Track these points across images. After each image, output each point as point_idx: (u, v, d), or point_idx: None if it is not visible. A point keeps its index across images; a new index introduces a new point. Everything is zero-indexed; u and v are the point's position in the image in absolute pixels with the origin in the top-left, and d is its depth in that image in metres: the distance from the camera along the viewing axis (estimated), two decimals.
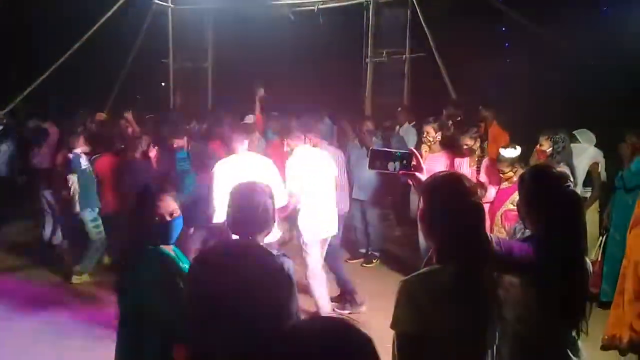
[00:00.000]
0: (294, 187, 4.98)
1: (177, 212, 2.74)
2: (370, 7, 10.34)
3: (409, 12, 10.10)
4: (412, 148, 2.43)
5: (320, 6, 10.87)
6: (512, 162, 4.88)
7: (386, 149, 2.39)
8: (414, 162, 2.31)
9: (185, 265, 2.72)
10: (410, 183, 2.29)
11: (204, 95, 12.38)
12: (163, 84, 13.32)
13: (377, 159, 2.34)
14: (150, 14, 11.53)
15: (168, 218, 2.68)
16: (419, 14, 9.67)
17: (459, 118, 7.88)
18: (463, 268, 1.89)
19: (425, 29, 9.55)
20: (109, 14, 10.58)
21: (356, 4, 10.68)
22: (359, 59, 10.81)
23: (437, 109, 8.16)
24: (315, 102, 9.64)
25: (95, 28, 10.48)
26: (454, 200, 1.96)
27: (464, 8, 10.20)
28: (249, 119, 8.69)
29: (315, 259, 5.17)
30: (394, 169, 2.32)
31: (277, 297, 2.37)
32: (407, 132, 8.51)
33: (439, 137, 5.83)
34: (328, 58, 11.86)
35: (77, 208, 6.33)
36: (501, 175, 5.03)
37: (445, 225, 1.96)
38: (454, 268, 1.90)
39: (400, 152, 2.33)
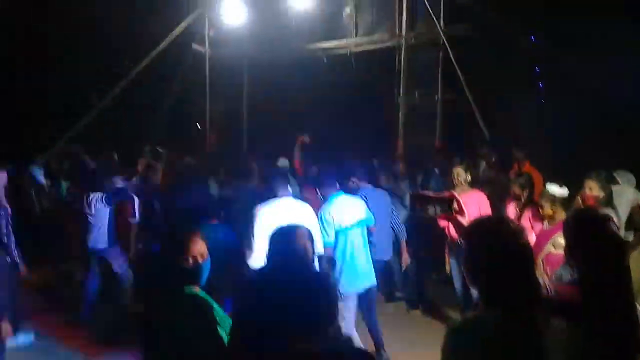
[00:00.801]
0: (326, 236, 4.92)
1: (207, 254, 2.71)
2: (402, 49, 10.47)
3: (440, 53, 10.22)
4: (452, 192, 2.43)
5: (353, 50, 11.10)
6: (557, 200, 4.73)
7: (427, 193, 2.41)
8: (454, 206, 2.31)
9: (216, 307, 2.67)
10: (445, 228, 2.29)
11: (238, 136, 12.64)
12: (199, 125, 13.67)
13: (418, 203, 2.35)
14: (188, 58, 11.93)
15: (199, 260, 2.65)
16: (451, 55, 9.75)
17: (493, 158, 7.83)
18: (511, 313, 1.86)
19: (457, 70, 9.60)
20: (149, 58, 11.04)
21: (388, 47, 10.85)
22: (391, 100, 10.92)
23: (470, 149, 8.14)
24: (348, 143, 9.73)
25: (135, 72, 10.91)
26: (499, 243, 1.93)
27: (497, 48, 10.24)
28: (283, 162, 8.76)
29: (349, 310, 5.00)
30: (435, 213, 2.32)
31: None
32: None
33: (469, 177, 5.75)
34: (361, 99, 12.00)
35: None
36: (539, 210, 4.90)
37: (492, 270, 1.91)
38: (501, 314, 1.87)
39: (441, 196, 2.34)
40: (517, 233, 1.97)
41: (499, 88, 10.29)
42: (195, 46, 12.06)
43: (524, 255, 1.95)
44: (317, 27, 11.17)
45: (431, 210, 2.25)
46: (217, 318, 2.58)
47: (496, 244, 1.94)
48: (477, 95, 9.58)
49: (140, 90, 11.53)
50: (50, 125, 11.15)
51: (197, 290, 2.68)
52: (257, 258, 4.72)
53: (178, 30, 11.44)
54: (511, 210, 5.54)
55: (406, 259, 6.25)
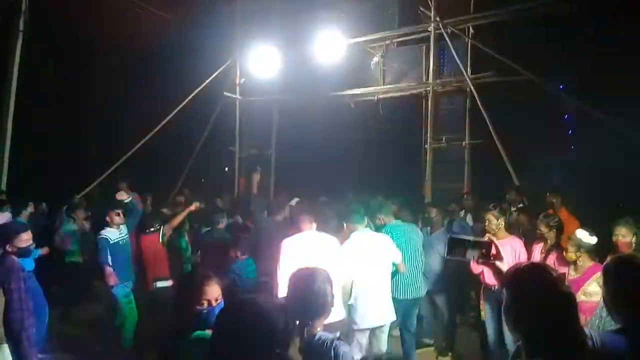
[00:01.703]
0: (346, 272, 4.97)
1: (221, 298, 2.68)
2: (430, 96, 10.61)
3: (468, 100, 10.32)
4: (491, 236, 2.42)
5: (380, 96, 11.29)
6: (584, 246, 4.68)
7: (464, 237, 2.40)
8: (493, 252, 2.31)
9: None
10: (480, 273, 2.29)
11: (267, 180, 12.81)
12: (227, 169, 13.92)
13: (455, 247, 2.35)
14: (220, 105, 12.28)
15: (214, 303, 2.62)
16: (478, 101, 9.83)
17: (521, 205, 7.76)
18: None
19: (485, 116, 9.65)
20: (181, 105, 11.41)
21: (415, 94, 11.02)
22: (418, 146, 11.00)
23: (499, 195, 8.08)
24: (374, 189, 9.76)
25: (169, 118, 11.27)
26: (542, 291, 1.92)
27: (525, 95, 10.29)
28: (296, 201, 8.80)
29: (358, 346, 5.04)
30: (473, 257, 2.32)
31: None
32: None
33: (502, 224, 5.67)
34: (388, 145, 12.11)
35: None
36: (563, 253, 4.84)
37: (534, 319, 1.90)
38: None
39: (479, 241, 2.34)
40: (559, 281, 1.97)
41: (527, 134, 10.30)
42: (226, 93, 12.42)
43: (567, 304, 1.93)
44: (345, 74, 11.42)
45: (469, 254, 2.24)
46: None
47: (539, 293, 1.92)
48: (505, 142, 9.58)
49: (174, 135, 11.86)
50: (88, 170, 11.47)
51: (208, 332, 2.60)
52: (283, 289, 4.83)
53: (210, 79, 11.82)
54: (536, 252, 5.47)
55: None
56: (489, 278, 5.73)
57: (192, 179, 12.65)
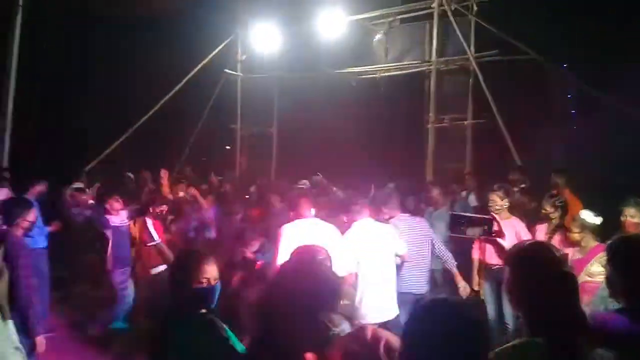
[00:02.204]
0: (347, 262, 4.77)
1: (218, 277, 2.68)
2: (432, 75, 10.53)
3: (471, 78, 10.25)
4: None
5: (382, 74, 11.21)
6: (587, 227, 4.70)
7: (467, 214, 2.40)
8: (495, 228, 2.31)
9: (227, 330, 2.65)
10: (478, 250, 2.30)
11: (268, 158, 12.80)
12: (228, 147, 13.91)
13: (457, 224, 2.35)
14: (221, 82, 12.21)
15: (212, 282, 2.62)
16: (482, 81, 9.77)
17: (523, 185, 7.75)
18: (556, 340, 1.86)
19: (488, 95, 9.59)
20: (183, 82, 11.34)
21: (418, 73, 10.94)
22: (420, 125, 10.95)
23: (501, 174, 8.06)
24: (375, 167, 9.77)
25: (169, 95, 11.22)
26: (544, 269, 1.93)
27: (528, 75, 10.23)
28: (304, 183, 8.81)
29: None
30: (474, 235, 2.33)
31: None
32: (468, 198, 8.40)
33: (506, 203, 5.67)
34: (389, 123, 12.07)
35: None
36: (567, 234, 4.86)
37: (536, 296, 1.92)
38: (546, 340, 1.87)
39: (481, 218, 2.34)
40: (562, 261, 1.99)
41: (530, 114, 10.26)
42: (227, 70, 12.34)
43: (569, 283, 1.95)
44: (347, 52, 11.31)
45: (470, 231, 2.24)
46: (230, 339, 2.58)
47: (541, 271, 1.94)
48: (508, 121, 9.54)
49: (175, 113, 11.83)
50: (88, 146, 11.47)
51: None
52: None
53: (211, 55, 11.73)
54: (540, 233, 5.49)
55: (464, 287, 5.47)
56: (489, 257, 5.76)
57: (194, 157, 12.65)
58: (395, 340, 1.74)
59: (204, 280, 2.59)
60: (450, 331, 1.51)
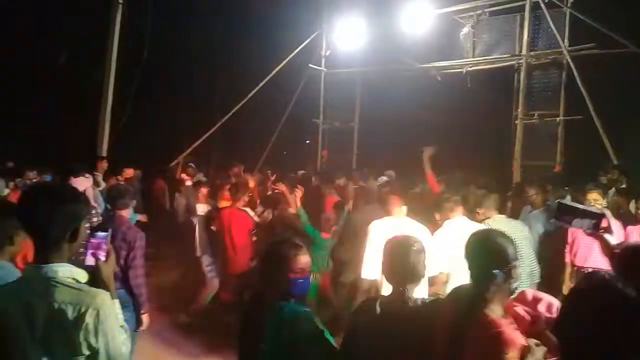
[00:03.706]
0: (439, 261, 4.61)
1: (309, 269, 2.68)
2: (522, 69, 10.14)
3: (564, 73, 9.80)
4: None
5: (469, 68, 10.93)
6: None
7: (577, 205, 2.28)
8: (603, 224, 2.19)
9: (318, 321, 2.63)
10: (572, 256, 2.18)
11: (349, 153, 12.84)
12: (308, 142, 14.06)
13: (565, 214, 2.24)
14: (305, 77, 12.36)
15: (304, 274, 2.62)
16: (576, 75, 9.31)
17: (623, 185, 7.33)
18: None
19: (583, 90, 9.13)
20: (267, 78, 11.58)
21: (507, 66, 10.58)
22: (507, 121, 10.60)
23: (591, 174, 7.66)
24: (460, 164, 9.54)
25: (255, 91, 11.48)
26: None
27: (627, 69, 9.63)
28: (384, 178, 8.72)
29: None
30: (581, 226, 2.21)
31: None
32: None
33: (605, 203, 5.37)
34: (475, 119, 11.75)
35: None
36: None
37: None
38: None
39: (590, 211, 2.22)
40: None
41: (628, 112, 9.66)
42: (311, 66, 12.48)
43: None
44: (432, 46, 11.10)
45: (578, 222, 2.12)
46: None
47: None
48: (603, 118, 9.05)
49: (260, 107, 12.11)
50: (178, 139, 11.93)
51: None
52: (367, 270, 4.95)
53: (296, 51, 11.89)
54: (634, 235, 5.18)
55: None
56: (580, 260, 5.49)
57: (274, 151, 12.88)
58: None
59: (299, 270, 2.60)
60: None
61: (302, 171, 10.24)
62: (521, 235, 5.07)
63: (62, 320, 1.91)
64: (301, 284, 2.61)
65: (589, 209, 2.21)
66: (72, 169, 6.23)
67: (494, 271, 2.23)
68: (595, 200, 5.11)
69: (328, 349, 2.52)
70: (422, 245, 2.74)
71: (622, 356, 1.46)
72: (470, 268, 2.38)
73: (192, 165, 9.82)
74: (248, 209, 6.66)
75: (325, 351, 2.51)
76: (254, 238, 6.41)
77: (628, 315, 1.47)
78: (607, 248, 2.22)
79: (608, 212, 2.35)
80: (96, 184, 7.10)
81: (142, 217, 7.03)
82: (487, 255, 2.29)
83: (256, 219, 6.71)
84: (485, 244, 2.35)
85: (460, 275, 4.46)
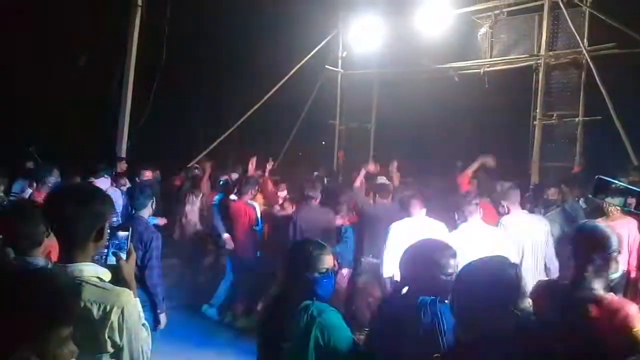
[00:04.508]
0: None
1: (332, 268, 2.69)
2: (541, 69, 10.06)
3: (583, 73, 9.69)
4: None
5: (487, 69, 10.86)
6: None
7: (614, 181, 2.22)
8: None
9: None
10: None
11: (365, 154, 12.79)
12: (324, 142, 14.06)
13: (603, 190, 2.19)
14: (321, 78, 12.38)
15: (330, 273, 2.64)
16: (595, 75, 9.20)
17: None
18: None
19: (603, 91, 9.03)
20: (284, 79, 11.62)
21: (525, 67, 10.49)
22: (525, 122, 10.51)
23: (613, 175, 7.54)
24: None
25: (271, 92, 11.53)
26: None
27: None
28: (382, 179, 8.63)
29: None
30: (619, 204, 2.16)
31: None
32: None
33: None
34: (493, 120, 11.66)
35: None
36: None
37: None
38: None
39: (631, 188, 2.16)
40: None
41: None
42: (328, 67, 12.48)
43: None
44: (450, 46, 11.04)
45: (616, 200, 2.09)
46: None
47: None
48: (624, 119, 8.93)
49: (276, 109, 12.13)
50: (196, 141, 12.01)
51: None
52: (386, 270, 4.99)
53: (313, 52, 11.91)
54: None
55: None
56: None
57: (290, 152, 12.90)
58: None
59: (323, 270, 2.61)
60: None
61: (317, 172, 10.21)
62: (543, 230, 5.08)
63: (87, 319, 1.94)
64: (325, 283, 2.61)
65: (629, 186, 2.15)
66: (92, 169, 6.31)
67: (594, 256, 2.47)
68: (608, 202, 5.03)
69: (358, 351, 2.52)
70: (455, 252, 2.74)
71: None
72: (573, 255, 2.61)
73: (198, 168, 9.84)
74: (255, 203, 7.09)
75: (354, 353, 2.50)
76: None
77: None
78: None
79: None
80: (116, 184, 7.18)
81: (160, 221, 6.99)
82: (589, 242, 2.53)
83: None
84: (590, 232, 2.59)
85: None
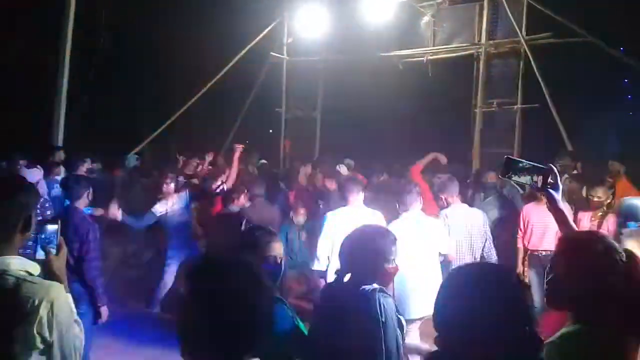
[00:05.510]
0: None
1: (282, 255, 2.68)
2: (482, 58, 10.30)
3: (521, 62, 9.98)
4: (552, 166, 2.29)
5: (430, 57, 11.02)
6: None
7: (523, 160, 2.27)
8: (550, 180, 2.19)
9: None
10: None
11: (312, 142, 12.79)
12: (271, 131, 13.97)
13: (511, 169, 2.22)
14: (266, 65, 12.23)
15: (278, 260, 2.62)
16: (533, 64, 9.50)
17: (575, 170, 7.54)
18: (611, 330, 1.81)
19: (540, 79, 9.34)
20: (229, 66, 11.42)
21: (466, 55, 10.71)
22: (467, 109, 10.76)
23: (550, 161, 7.84)
24: (421, 152, 9.64)
25: (216, 79, 11.32)
26: (603, 259, 1.87)
27: (583, 58, 9.88)
28: (342, 167, 8.65)
29: (412, 338, 4.39)
30: (528, 182, 2.20)
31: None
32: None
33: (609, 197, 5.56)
34: (436, 108, 11.90)
35: None
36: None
37: (592, 285, 1.85)
38: (595, 329, 1.83)
39: (539, 167, 2.21)
40: (618, 250, 1.91)
41: (583, 99, 9.94)
42: (273, 54, 12.34)
43: (630, 275, 1.88)
44: (393, 35, 11.13)
45: (525, 179, 2.11)
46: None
47: (599, 260, 1.87)
48: (559, 106, 9.28)
49: (221, 96, 11.93)
50: (135, 130, 11.70)
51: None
52: (319, 263, 4.88)
53: (258, 38, 11.75)
54: (585, 221, 5.38)
55: None
56: (535, 244, 5.64)
57: (238, 140, 12.70)
58: None
59: (271, 258, 2.59)
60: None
61: (263, 161, 10.12)
62: (477, 223, 5.21)
63: (15, 314, 1.85)
64: (274, 270, 2.56)
65: (537, 165, 2.20)
66: (16, 158, 6.05)
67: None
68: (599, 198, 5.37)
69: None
70: (394, 237, 2.70)
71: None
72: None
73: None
74: None
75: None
76: None
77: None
78: (552, 205, 2.24)
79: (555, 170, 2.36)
80: (50, 174, 6.87)
81: (96, 211, 6.77)
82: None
83: None
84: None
85: (405, 272, 4.14)
